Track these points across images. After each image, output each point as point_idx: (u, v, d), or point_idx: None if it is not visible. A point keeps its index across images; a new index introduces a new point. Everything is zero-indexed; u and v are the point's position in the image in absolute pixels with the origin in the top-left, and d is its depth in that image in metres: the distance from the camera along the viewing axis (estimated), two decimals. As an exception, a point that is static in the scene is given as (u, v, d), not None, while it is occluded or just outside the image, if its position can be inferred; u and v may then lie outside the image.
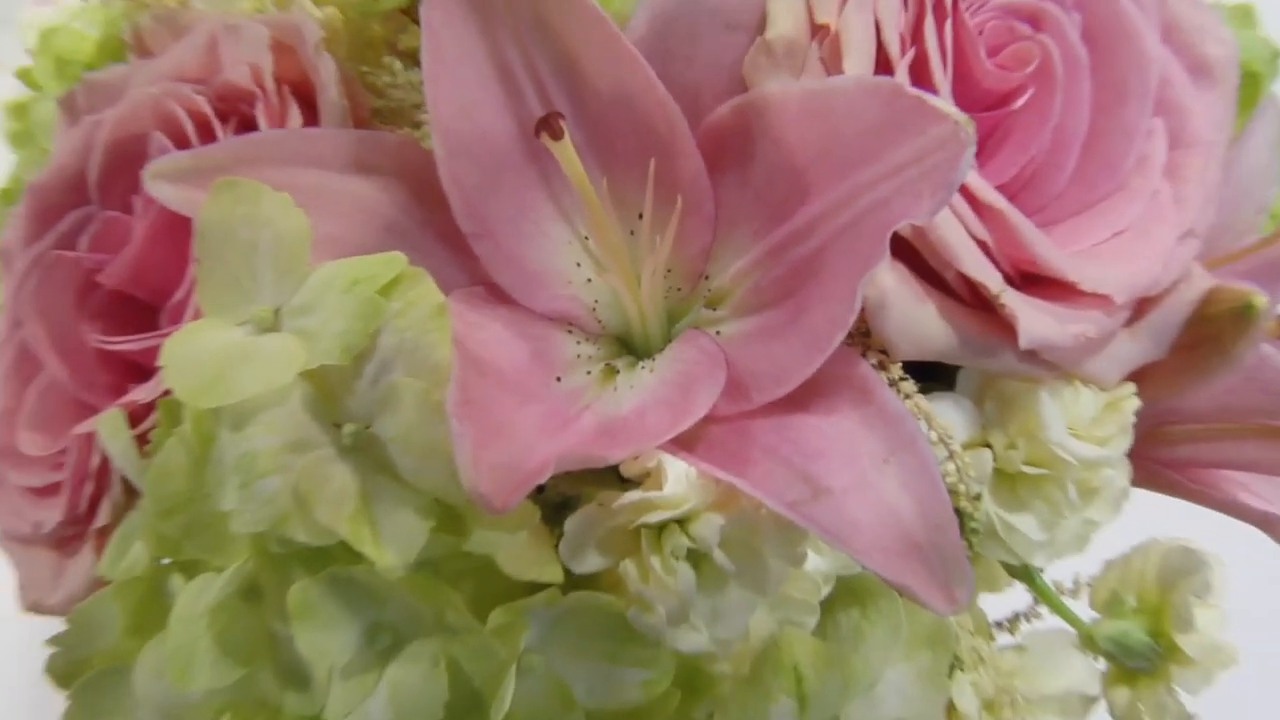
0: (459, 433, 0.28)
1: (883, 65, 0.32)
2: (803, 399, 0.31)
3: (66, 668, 0.34)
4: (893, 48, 0.32)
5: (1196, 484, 0.39)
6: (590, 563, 0.31)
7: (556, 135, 0.31)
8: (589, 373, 0.34)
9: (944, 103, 0.29)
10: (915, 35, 0.33)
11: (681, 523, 0.30)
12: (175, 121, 0.35)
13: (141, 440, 0.33)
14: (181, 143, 0.35)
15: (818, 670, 0.32)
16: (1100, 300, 0.33)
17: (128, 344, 0.35)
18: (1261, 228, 0.40)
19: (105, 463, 0.34)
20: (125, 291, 0.36)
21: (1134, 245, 0.35)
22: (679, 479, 0.30)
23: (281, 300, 0.30)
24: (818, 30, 0.32)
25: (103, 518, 0.35)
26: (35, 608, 0.38)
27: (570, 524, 0.31)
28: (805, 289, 0.32)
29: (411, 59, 0.37)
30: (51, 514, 0.36)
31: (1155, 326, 0.35)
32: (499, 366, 0.32)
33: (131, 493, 0.34)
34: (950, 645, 0.34)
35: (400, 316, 0.29)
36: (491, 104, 0.33)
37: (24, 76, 0.45)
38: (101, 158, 0.37)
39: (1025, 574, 0.36)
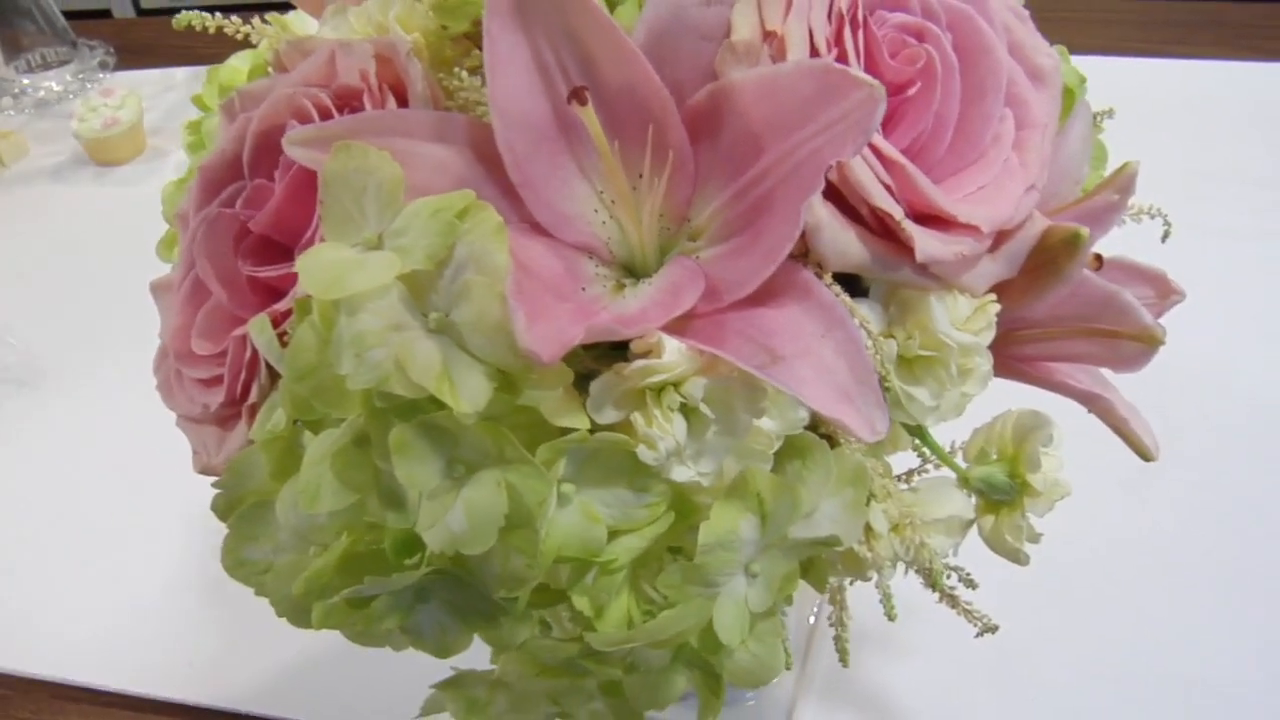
0: (515, 308, 0.26)
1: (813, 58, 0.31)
2: (760, 296, 0.30)
3: (225, 504, 0.32)
4: (821, 48, 0.31)
5: (1037, 372, 0.38)
6: (608, 415, 0.29)
7: (583, 102, 0.29)
8: (604, 286, 0.32)
9: (861, 73, 0.27)
10: (838, 40, 0.31)
11: (675, 384, 0.29)
12: (305, 112, 0.33)
13: (280, 338, 0.31)
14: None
15: (774, 496, 0.30)
16: (971, 230, 0.32)
17: (270, 272, 0.33)
18: (1078, 194, 0.39)
19: (255, 356, 0.32)
20: (269, 236, 0.34)
21: (993, 195, 0.33)
22: (674, 351, 0.28)
23: (383, 227, 0.29)
24: (768, 35, 0.31)
25: (253, 397, 0.33)
26: (205, 470, 0.36)
27: (595, 386, 0.29)
28: (761, 219, 0.30)
29: (473, 71, 0.35)
30: (216, 397, 0.34)
31: (1009, 253, 0.33)
32: (541, 274, 0.30)
33: (274, 377, 0.33)
34: (867, 483, 0.33)
35: (470, 233, 0.28)
36: (532, 90, 0.31)
37: (197, 101, 0.43)
38: (252, 143, 0.35)
39: (920, 432, 0.34)
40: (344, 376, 0.27)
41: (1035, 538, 0.35)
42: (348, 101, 0.34)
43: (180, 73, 1.01)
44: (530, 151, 0.31)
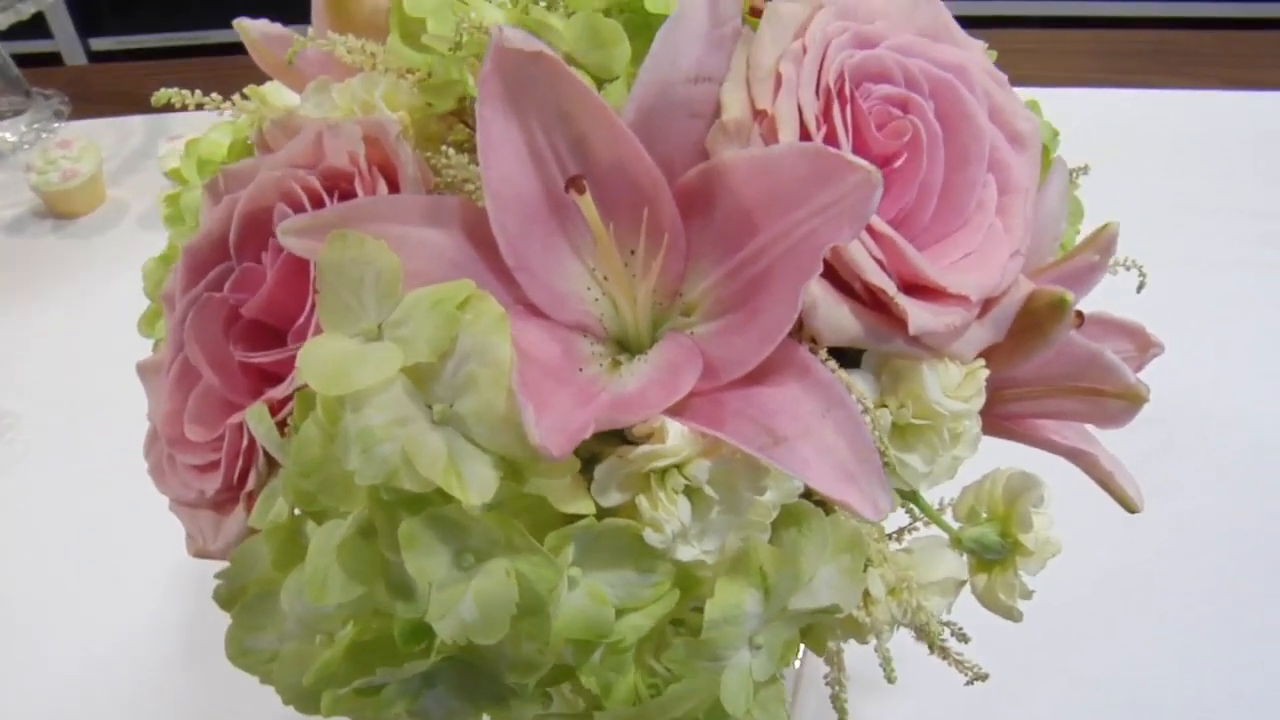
0: (524, 405, 0.26)
1: (804, 137, 0.31)
2: (758, 375, 0.30)
3: (229, 594, 0.32)
4: (811, 125, 0.31)
5: (1023, 430, 0.38)
6: (613, 498, 0.29)
7: (581, 191, 0.29)
8: (600, 365, 0.32)
9: (857, 157, 0.28)
10: (826, 116, 0.32)
11: (679, 467, 0.29)
12: (294, 195, 0.34)
13: (279, 426, 0.31)
14: (299, 210, 0.33)
15: (776, 569, 0.31)
16: (961, 300, 0.32)
17: (264, 358, 0.33)
18: (1057, 252, 0.40)
19: (252, 443, 0.32)
20: (260, 320, 0.34)
21: (979, 262, 0.34)
22: (677, 435, 0.29)
23: (382, 317, 0.29)
24: (758, 114, 0.31)
25: (250, 484, 0.33)
26: (201, 554, 0.36)
27: (599, 471, 0.29)
28: (757, 297, 0.31)
29: (460, 147, 0.35)
30: (212, 483, 0.34)
31: (996, 318, 0.34)
32: (540, 359, 0.30)
33: (272, 464, 0.33)
34: (864, 549, 0.33)
35: (472, 324, 0.28)
36: (524, 173, 0.32)
37: (174, 175, 0.43)
38: (238, 225, 0.35)
39: (913, 496, 0.35)
40: (351, 471, 0.27)
41: (1028, 594, 0.35)
42: (336, 184, 0.34)
43: (136, 121, 1.00)
44: (523, 232, 0.32)
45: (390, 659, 0.30)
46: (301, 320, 0.33)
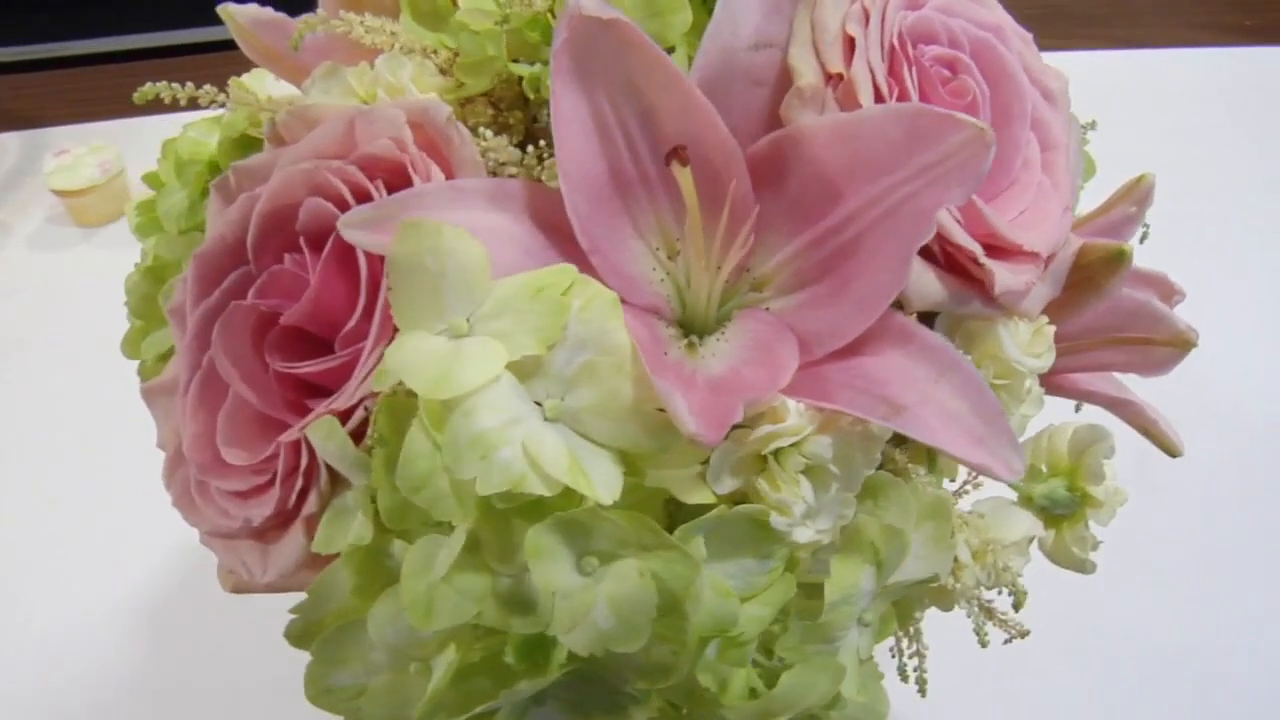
0: (669, 391, 0.25)
1: (877, 100, 0.31)
2: (855, 346, 0.30)
3: (304, 630, 0.29)
4: (883, 88, 0.31)
5: (1065, 384, 0.39)
6: (727, 485, 0.28)
7: (685, 162, 0.28)
8: (679, 348, 0.31)
9: (965, 115, 0.27)
10: (896, 77, 0.31)
11: (797, 445, 0.28)
12: (329, 188, 0.31)
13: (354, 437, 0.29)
14: (339, 203, 0.31)
15: (886, 543, 0.30)
16: (1033, 257, 0.32)
17: (313, 367, 0.31)
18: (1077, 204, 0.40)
19: (313, 461, 0.30)
20: (298, 327, 0.31)
21: (1037, 219, 0.34)
22: (796, 413, 0.28)
23: (470, 311, 0.27)
24: (831, 78, 0.30)
25: (311, 506, 0.30)
26: (241, 589, 0.33)
27: (714, 456, 0.28)
28: (845, 266, 0.30)
29: (498, 131, 0.33)
30: (261, 509, 0.31)
31: (1055, 274, 0.34)
32: (640, 344, 0.29)
33: (337, 482, 0.30)
34: (948, 515, 0.33)
35: (584, 310, 0.26)
36: (590, 150, 0.30)
37: (150, 179, 0.39)
38: (259, 225, 0.32)
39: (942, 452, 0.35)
40: (464, 482, 0.25)
41: (1096, 545, 0.36)
42: (376, 173, 0.31)
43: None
44: (592, 213, 0.30)
45: (502, 679, 0.28)
46: (352, 324, 0.30)
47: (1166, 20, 1.12)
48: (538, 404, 0.26)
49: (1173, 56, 0.92)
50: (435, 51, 0.34)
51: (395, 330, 0.29)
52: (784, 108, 0.30)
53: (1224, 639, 0.56)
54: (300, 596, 0.31)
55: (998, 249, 0.32)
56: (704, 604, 0.27)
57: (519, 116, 0.34)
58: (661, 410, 0.26)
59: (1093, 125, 0.43)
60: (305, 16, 0.34)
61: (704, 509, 0.28)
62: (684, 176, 0.28)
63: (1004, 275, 0.31)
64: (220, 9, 0.36)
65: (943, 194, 0.28)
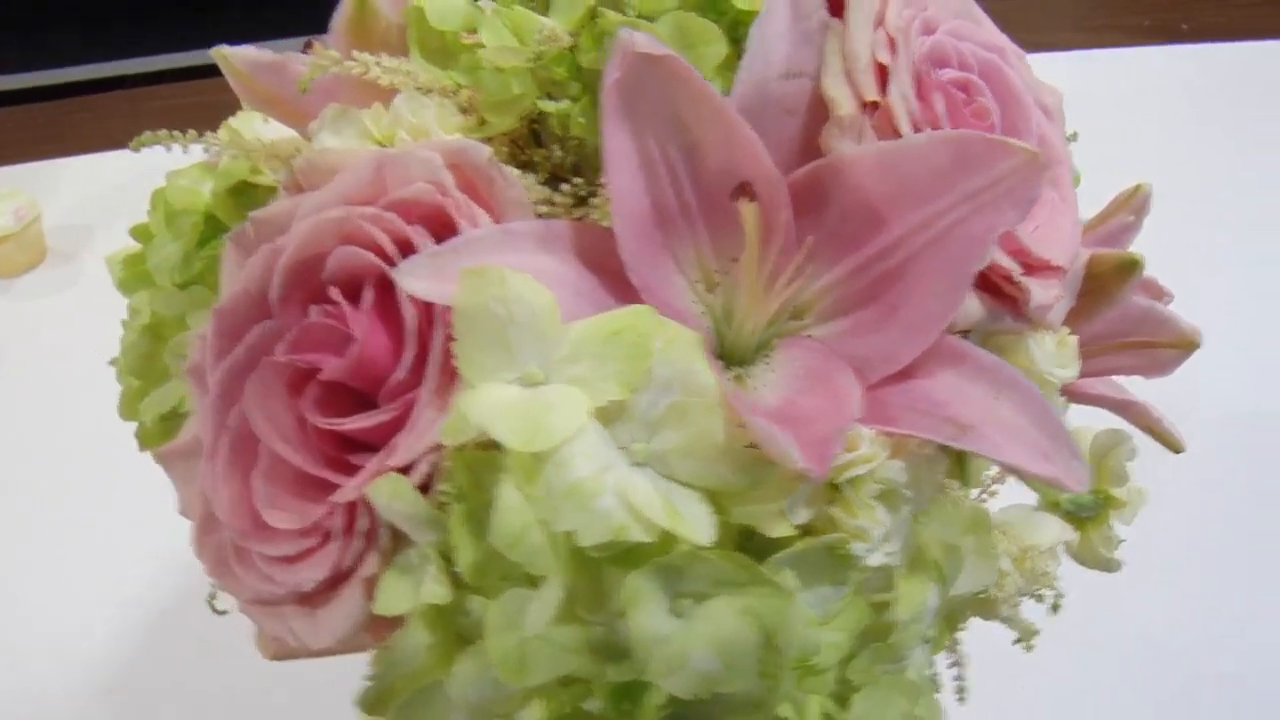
0: (767, 429, 0.25)
1: (913, 127, 0.31)
2: (909, 369, 0.30)
3: (379, 697, 0.28)
4: (916, 114, 0.31)
5: (1077, 391, 0.40)
6: (801, 515, 0.28)
7: (753, 197, 0.28)
8: (729, 380, 0.31)
9: (1014, 140, 0.28)
10: (926, 103, 0.32)
11: (870, 472, 0.28)
12: (362, 235, 0.30)
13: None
14: (375, 250, 0.30)
15: (947, 559, 0.31)
16: (1057, 271, 0.34)
17: (359, 423, 0.30)
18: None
19: (373, 521, 0.29)
20: (338, 381, 0.30)
21: (1053, 233, 0.35)
22: (869, 441, 0.28)
23: (542, 358, 0.26)
24: (867, 106, 0.31)
25: (370, 567, 0.29)
26: (284, 655, 0.31)
27: (792, 489, 0.28)
28: (892, 292, 0.31)
29: (524, 169, 0.33)
30: (314, 573, 0.29)
31: (1071, 284, 0.35)
32: (713, 382, 0.29)
33: (398, 540, 0.29)
34: (988, 526, 0.34)
35: (667, 351, 0.26)
36: (636, 187, 0.30)
37: (139, 233, 0.37)
38: (283, 277, 0.31)
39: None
40: (560, 535, 0.25)
41: (1119, 544, 0.37)
42: (411, 218, 0.30)
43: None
44: (639, 249, 0.30)
45: (592, 729, 0.27)
46: (400, 375, 0.29)
47: (1054, 23, 1.17)
48: (621, 449, 0.26)
49: (1084, 58, 0.96)
50: (455, 91, 0.33)
51: (452, 381, 0.28)
52: (823, 137, 0.31)
53: (1223, 638, 0.58)
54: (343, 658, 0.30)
55: (1028, 265, 0.33)
56: (795, 636, 0.28)
57: (541, 154, 0.34)
58: (751, 446, 0.26)
59: (1074, 137, 0.44)
60: (313, 57, 0.33)
61: (780, 542, 0.28)
62: (749, 212, 0.28)
63: (1038, 292, 0.32)
64: (215, 52, 0.35)
65: (995, 219, 0.28)
